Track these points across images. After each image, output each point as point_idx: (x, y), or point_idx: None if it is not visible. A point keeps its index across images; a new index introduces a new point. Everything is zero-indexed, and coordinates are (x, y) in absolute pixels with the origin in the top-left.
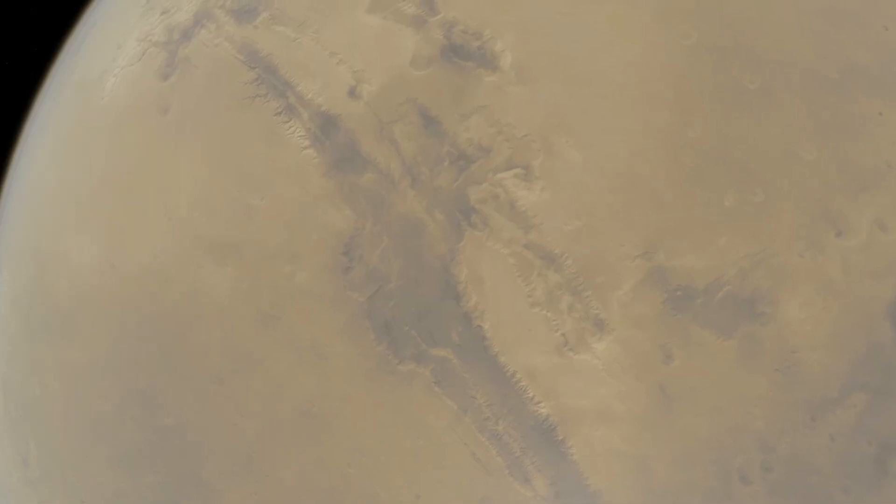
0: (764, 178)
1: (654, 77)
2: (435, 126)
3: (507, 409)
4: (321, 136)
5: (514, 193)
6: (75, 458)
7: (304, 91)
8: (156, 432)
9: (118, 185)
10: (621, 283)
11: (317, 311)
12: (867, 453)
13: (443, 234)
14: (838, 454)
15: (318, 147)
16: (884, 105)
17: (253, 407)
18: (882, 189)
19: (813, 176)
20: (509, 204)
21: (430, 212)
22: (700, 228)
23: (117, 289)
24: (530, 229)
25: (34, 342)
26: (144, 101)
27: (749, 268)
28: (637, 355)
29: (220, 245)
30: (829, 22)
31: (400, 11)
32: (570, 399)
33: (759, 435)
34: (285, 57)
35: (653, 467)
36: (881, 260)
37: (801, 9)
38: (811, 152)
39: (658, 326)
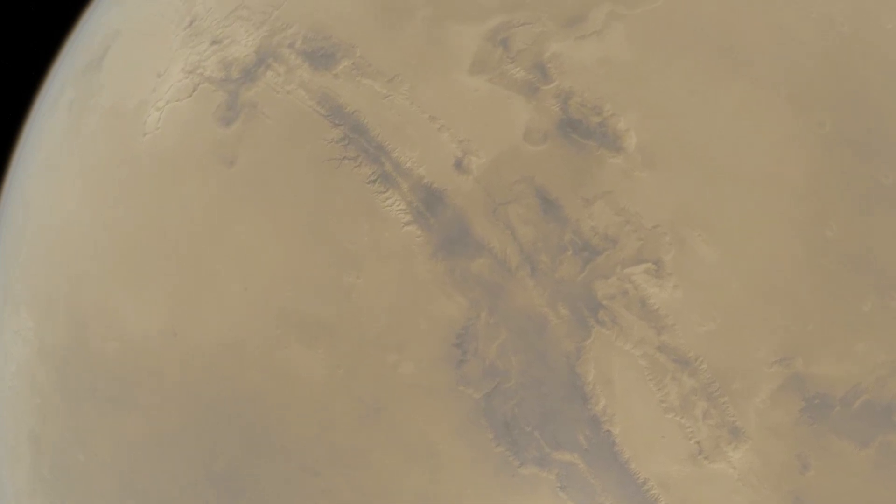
0: None
1: (788, 169)
2: (555, 210)
3: None
4: (425, 212)
5: (644, 290)
6: None
7: (401, 158)
8: None
9: (177, 241)
10: (758, 389)
11: (427, 406)
12: None
13: (568, 331)
14: None
15: (422, 224)
16: None
17: (355, 503)
18: None
19: None
20: (640, 301)
21: (553, 305)
22: (839, 334)
23: (184, 361)
24: (663, 330)
25: (76, 405)
26: (202, 147)
27: (886, 375)
28: (773, 465)
29: (310, 324)
30: None
31: (507, 74)
32: None
33: None
34: (376, 116)
35: None
36: None
37: None
38: None
39: (795, 435)
